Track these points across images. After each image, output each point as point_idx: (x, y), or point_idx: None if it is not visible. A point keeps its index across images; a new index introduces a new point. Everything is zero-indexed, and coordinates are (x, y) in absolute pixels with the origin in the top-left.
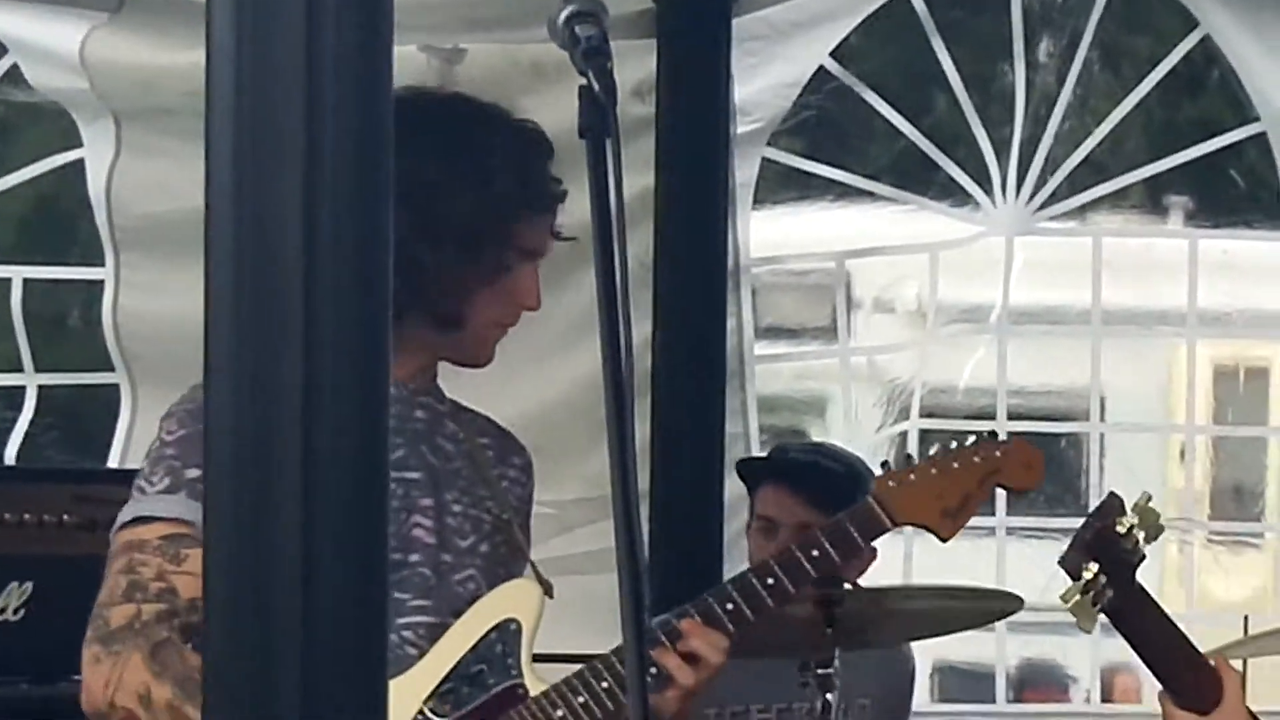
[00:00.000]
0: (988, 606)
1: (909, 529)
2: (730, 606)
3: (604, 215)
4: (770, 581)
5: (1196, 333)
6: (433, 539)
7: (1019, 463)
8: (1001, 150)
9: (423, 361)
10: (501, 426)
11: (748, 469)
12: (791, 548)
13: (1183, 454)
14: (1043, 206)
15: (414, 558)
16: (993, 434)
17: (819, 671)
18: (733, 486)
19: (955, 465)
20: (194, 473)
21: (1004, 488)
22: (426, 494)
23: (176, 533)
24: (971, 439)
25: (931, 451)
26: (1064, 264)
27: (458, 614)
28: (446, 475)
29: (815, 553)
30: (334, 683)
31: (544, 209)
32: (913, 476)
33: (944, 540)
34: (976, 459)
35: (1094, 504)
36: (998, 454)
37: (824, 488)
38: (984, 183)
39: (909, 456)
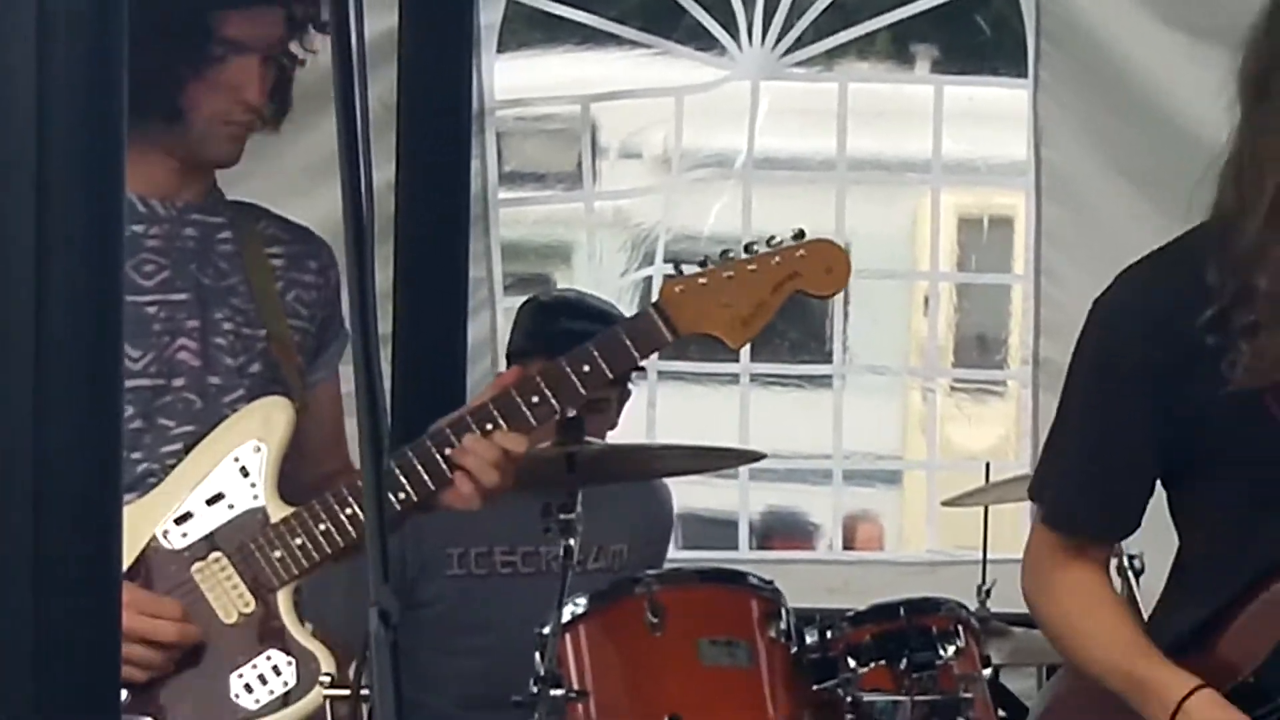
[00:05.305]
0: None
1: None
2: (489, 427)
3: (344, 55)
4: (535, 400)
5: (941, 180)
6: (198, 361)
7: (820, 266)
8: None
9: (170, 165)
10: (300, 227)
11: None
12: (560, 361)
13: (926, 302)
14: (789, 51)
15: (178, 382)
16: (800, 232)
17: (561, 516)
18: (475, 331)
19: (751, 269)
20: None
21: (804, 293)
22: (193, 315)
23: None
24: (776, 238)
25: (728, 252)
26: (810, 110)
27: None
28: (218, 293)
29: (586, 368)
30: (66, 529)
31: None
32: (702, 281)
33: (734, 349)
34: (775, 260)
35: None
36: (799, 255)
37: None
38: (730, 27)
39: (705, 259)
